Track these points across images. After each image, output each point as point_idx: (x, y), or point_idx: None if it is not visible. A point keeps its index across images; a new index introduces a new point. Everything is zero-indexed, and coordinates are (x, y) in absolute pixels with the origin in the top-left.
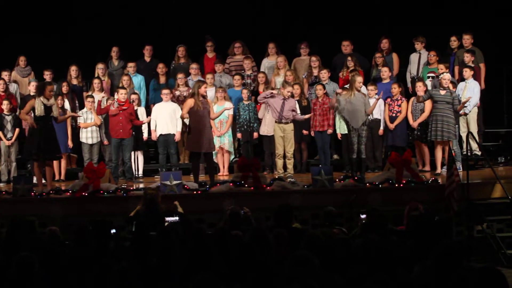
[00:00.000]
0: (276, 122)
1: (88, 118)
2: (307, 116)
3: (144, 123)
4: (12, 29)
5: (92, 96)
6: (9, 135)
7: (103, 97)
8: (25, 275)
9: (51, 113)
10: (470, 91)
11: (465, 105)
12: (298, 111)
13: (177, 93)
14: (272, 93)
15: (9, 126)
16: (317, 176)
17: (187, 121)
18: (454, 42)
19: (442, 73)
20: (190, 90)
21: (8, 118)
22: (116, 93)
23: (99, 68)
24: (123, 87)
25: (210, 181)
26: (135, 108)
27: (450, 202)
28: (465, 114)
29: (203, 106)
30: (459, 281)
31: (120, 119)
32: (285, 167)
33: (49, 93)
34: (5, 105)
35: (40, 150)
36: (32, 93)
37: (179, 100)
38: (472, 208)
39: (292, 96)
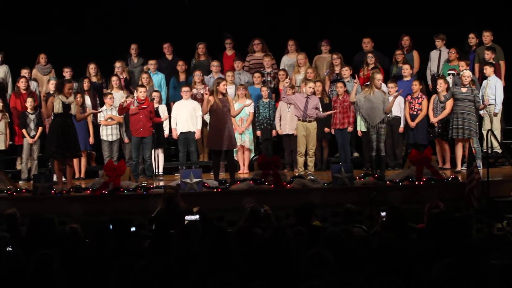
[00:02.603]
0: (299, 120)
1: (108, 115)
2: (329, 112)
3: (163, 121)
4: (32, 27)
5: (111, 94)
6: (32, 133)
7: (124, 99)
8: (45, 273)
9: (69, 111)
10: (492, 88)
11: (490, 102)
12: (320, 109)
13: (195, 91)
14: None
15: (32, 125)
16: (337, 174)
17: (207, 118)
18: (472, 39)
19: (463, 70)
20: (209, 88)
21: (32, 116)
22: (135, 91)
23: (117, 66)
24: (142, 85)
25: (230, 179)
26: (156, 106)
27: (470, 199)
28: (495, 115)
29: (222, 104)
30: (480, 279)
31: (140, 118)
32: (305, 164)
33: (68, 90)
34: (29, 102)
35: (59, 148)
36: (51, 91)
37: (197, 98)
38: (492, 206)
39: (314, 93)
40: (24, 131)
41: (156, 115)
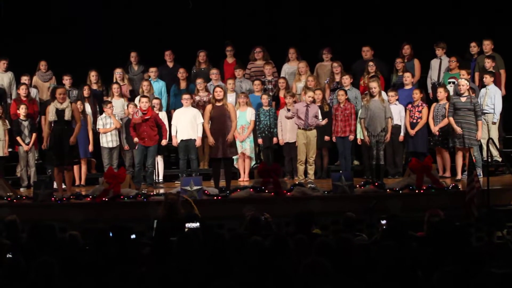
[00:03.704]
0: (299, 128)
1: (107, 123)
2: (324, 121)
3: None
4: (32, 34)
5: (110, 102)
6: (26, 140)
7: (134, 113)
8: (45, 280)
9: (64, 117)
10: (491, 98)
11: (489, 111)
12: (320, 117)
13: (197, 98)
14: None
15: (26, 131)
16: (338, 182)
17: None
18: (474, 48)
19: (460, 79)
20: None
21: (25, 123)
22: (138, 101)
23: (117, 73)
24: (144, 96)
25: (226, 186)
26: (156, 113)
27: (470, 208)
28: (494, 124)
29: (220, 112)
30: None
31: (144, 128)
32: (305, 172)
33: (59, 96)
34: (22, 109)
35: (56, 154)
36: (50, 97)
37: (199, 105)
38: (492, 214)
39: (314, 101)
40: (18, 138)
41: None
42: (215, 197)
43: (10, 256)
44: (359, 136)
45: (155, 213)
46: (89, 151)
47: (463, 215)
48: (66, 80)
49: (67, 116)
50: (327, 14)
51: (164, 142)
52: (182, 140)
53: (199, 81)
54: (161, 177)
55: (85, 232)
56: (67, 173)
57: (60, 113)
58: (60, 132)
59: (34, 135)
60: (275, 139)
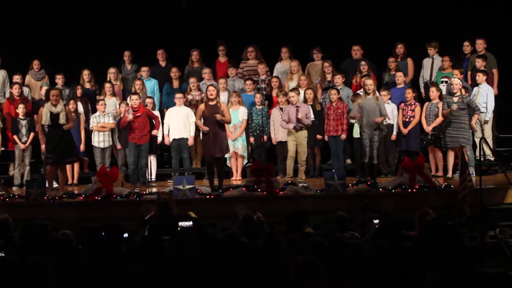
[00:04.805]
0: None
1: (100, 122)
2: (300, 115)
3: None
4: (25, 33)
5: (103, 100)
6: (23, 139)
7: (125, 111)
8: (38, 279)
9: (58, 120)
10: (484, 96)
11: (481, 110)
12: (312, 116)
13: (190, 97)
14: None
15: (24, 130)
16: (330, 181)
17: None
18: (467, 47)
19: (452, 79)
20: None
21: (23, 122)
22: (129, 99)
23: (111, 72)
24: (135, 93)
25: (218, 186)
26: (148, 108)
27: (462, 207)
28: (486, 122)
29: (212, 111)
30: (472, 287)
31: (136, 126)
32: (296, 172)
33: (52, 97)
34: (21, 109)
35: (51, 153)
36: (44, 98)
37: (192, 105)
38: (485, 214)
39: (306, 101)
40: (15, 137)
41: (150, 120)
42: (208, 196)
43: (3, 255)
44: (355, 134)
45: (148, 212)
46: (81, 150)
47: (455, 214)
48: (59, 79)
49: (62, 120)
50: (320, 13)
51: (155, 132)
52: (174, 139)
53: (192, 80)
54: (153, 176)
55: (78, 231)
56: (60, 172)
57: (54, 117)
58: (58, 138)
59: (31, 134)
60: (265, 137)
